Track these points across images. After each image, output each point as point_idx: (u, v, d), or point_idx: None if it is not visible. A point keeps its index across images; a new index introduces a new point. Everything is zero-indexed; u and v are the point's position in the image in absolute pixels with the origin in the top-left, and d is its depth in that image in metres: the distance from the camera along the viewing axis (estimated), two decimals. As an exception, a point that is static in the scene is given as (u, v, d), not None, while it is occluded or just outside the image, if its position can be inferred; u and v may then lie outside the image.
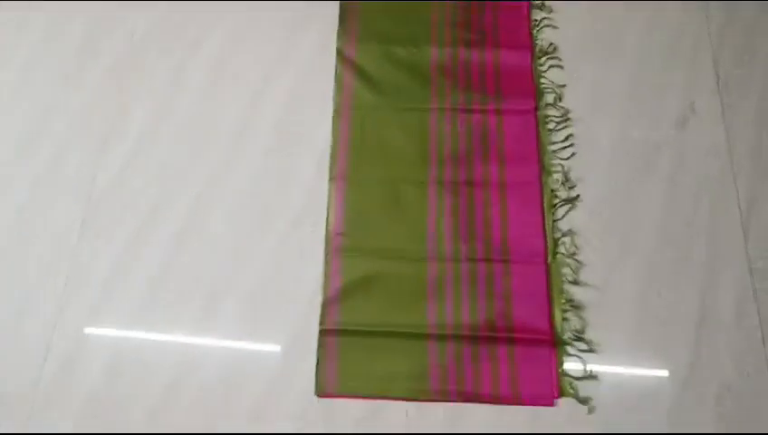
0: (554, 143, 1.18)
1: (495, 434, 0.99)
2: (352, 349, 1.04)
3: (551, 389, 1.02)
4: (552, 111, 1.20)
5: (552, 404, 1.01)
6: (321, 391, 1.01)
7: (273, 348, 1.05)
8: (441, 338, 1.05)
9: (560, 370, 1.02)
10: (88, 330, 1.06)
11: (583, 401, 1.00)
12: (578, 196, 1.14)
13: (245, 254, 1.10)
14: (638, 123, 1.19)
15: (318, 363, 1.03)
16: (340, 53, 1.26)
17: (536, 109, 1.21)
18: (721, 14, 1.28)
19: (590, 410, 0.99)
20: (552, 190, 1.14)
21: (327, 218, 1.13)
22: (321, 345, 1.05)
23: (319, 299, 1.07)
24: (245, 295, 1.08)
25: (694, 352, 1.02)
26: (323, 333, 1.06)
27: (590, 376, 1.02)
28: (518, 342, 1.05)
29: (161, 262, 1.10)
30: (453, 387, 1.02)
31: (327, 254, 1.11)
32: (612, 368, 1.02)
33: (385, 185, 1.16)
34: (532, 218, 1.13)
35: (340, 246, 1.11)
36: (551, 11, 1.29)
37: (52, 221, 1.14)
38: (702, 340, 1.03)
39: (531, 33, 1.27)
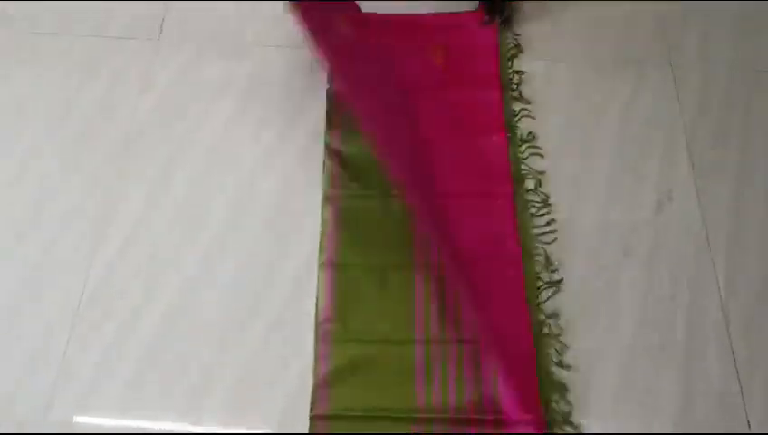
0: (537, 227, 1.22)
1: None
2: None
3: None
4: (532, 196, 1.25)
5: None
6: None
7: (262, 435, 1.05)
8: (429, 421, 1.06)
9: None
10: (78, 419, 1.07)
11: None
12: (561, 279, 1.17)
13: (235, 341, 1.12)
14: (616, 208, 1.23)
15: (309, 450, 1.04)
16: (327, 145, 1.31)
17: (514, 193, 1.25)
18: (694, 103, 1.35)
19: None
20: (536, 273, 1.17)
21: (316, 305, 1.15)
22: (311, 431, 1.05)
23: (309, 385, 1.08)
24: (235, 382, 1.09)
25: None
26: (313, 419, 1.06)
27: None
28: (506, 424, 1.06)
29: (150, 349, 1.12)
30: None
31: (316, 340, 1.12)
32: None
33: (372, 270, 1.19)
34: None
35: (329, 331, 1.13)
36: (528, 102, 1.35)
37: (45, 309, 1.15)
38: (686, 419, 1.05)
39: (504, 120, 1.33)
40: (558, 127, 1.32)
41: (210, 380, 1.09)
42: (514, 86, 1.37)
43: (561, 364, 1.09)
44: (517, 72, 1.38)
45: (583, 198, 1.24)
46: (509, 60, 1.40)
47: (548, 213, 1.23)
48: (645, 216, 1.22)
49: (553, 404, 1.06)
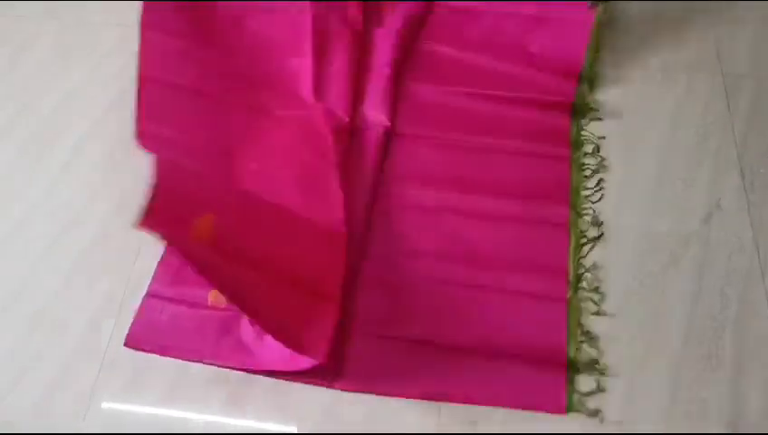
0: (587, 188, 1.23)
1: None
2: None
3: (560, 402, 1.02)
4: (589, 160, 1.26)
5: (564, 413, 1.02)
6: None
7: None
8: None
9: (570, 387, 1.04)
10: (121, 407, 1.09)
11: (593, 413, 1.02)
12: (602, 234, 1.18)
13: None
14: (664, 219, 1.21)
15: None
16: None
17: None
18: (745, 112, 1.32)
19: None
20: (581, 231, 1.18)
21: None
22: None
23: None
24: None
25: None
26: None
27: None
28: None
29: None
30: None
31: None
32: None
33: None
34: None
35: None
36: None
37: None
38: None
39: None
40: (606, 133, 1.31)
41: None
42: None
43: (598, 313, 1.11)
44: None
45: (629, 206, 1.23)
46: None
47: (599, 174, 1.25)
48: (693, 226, 1.20)
49: (579, 351, 1.07)
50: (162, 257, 1.16)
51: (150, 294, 1.13)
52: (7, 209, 1.28)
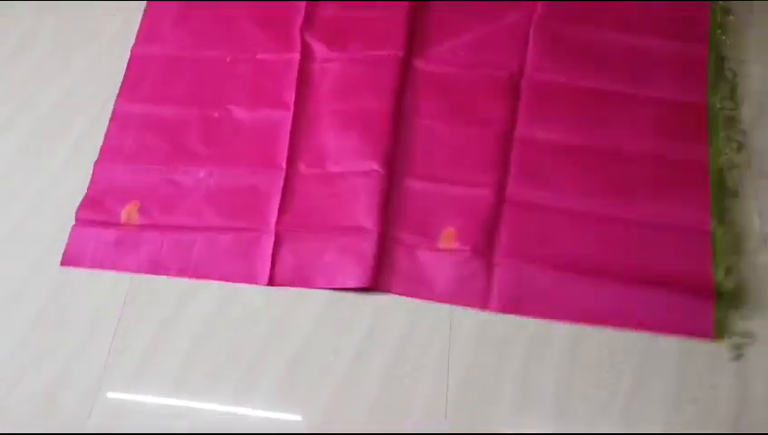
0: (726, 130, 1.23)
1: None
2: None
3: (708, 327, 1.06)
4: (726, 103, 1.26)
5: (712, 338, 1.06)
6: None
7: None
8: None
9: (718, 314, 1.06)
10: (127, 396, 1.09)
11: (745, 335, 1.05)
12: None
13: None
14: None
15: None
16: None
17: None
18: None
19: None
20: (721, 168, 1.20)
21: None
22: None
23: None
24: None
25: None
26: None
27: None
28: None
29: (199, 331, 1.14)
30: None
31: None
32: None
33: None
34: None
35: None
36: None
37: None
38: None
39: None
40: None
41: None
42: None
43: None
44: None
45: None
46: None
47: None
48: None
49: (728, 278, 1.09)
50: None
51: (78, 223, 1.24)
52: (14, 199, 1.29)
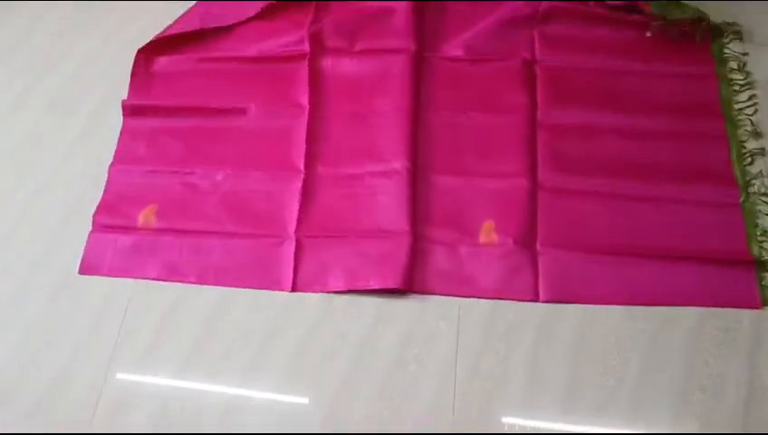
0: (739, 103, 1.26)
1: None
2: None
3: (755, 297, 1.08)
4: (735, 75, 1.29)
5: (760, 307, 1.07)
6: None
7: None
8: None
9: (762, 283, 1.09)
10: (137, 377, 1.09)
11: None
12: (763, 148, 1.21)
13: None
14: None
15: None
16: None
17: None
18: None
19: None
20: (741, 142, 1.21)
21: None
22: None
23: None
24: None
25: None
26: None
27: None
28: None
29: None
30: None
31: None
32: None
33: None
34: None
35: None
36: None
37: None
38: None
39: None
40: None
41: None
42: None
43: None
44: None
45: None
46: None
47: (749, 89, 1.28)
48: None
49: (763, 248, 1.12)
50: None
51: (95, 228, 1.22)
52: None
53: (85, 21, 1.51)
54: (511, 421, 1.02)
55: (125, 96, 1.36)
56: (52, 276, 1.18)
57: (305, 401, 1.05)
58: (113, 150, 1.31)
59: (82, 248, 1.20)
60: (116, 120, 1.34)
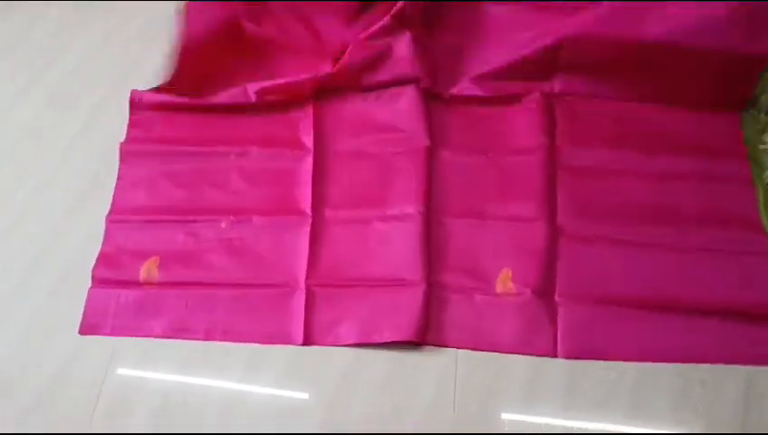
0: (765, 144, 1.20)
1: None
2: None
3: None
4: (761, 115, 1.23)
5: None
6: None
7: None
8: None
9: None
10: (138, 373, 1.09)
11: None
12: None
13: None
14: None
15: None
16: None
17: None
18: None
19: None
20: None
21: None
22: None
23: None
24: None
25: None
26: None
27: None
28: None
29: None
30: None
31: None
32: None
33: None
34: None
35: None
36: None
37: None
38: None
39: None
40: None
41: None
42: None
43: None
44: None
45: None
46: None
47: None
48: None
49: None
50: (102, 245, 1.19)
51: (95, 284, 1.16)
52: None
53: (86, 15, 1.51)
54: (511, 418, 1.02)
55: (126, 91, 1.34)
56: (54, 271, 1.18)
57: (305, 395, 1.05)
58: (114, 147, 1.29)
59: (83, 243, 1.20)
60: (116, 115, 1.33)
